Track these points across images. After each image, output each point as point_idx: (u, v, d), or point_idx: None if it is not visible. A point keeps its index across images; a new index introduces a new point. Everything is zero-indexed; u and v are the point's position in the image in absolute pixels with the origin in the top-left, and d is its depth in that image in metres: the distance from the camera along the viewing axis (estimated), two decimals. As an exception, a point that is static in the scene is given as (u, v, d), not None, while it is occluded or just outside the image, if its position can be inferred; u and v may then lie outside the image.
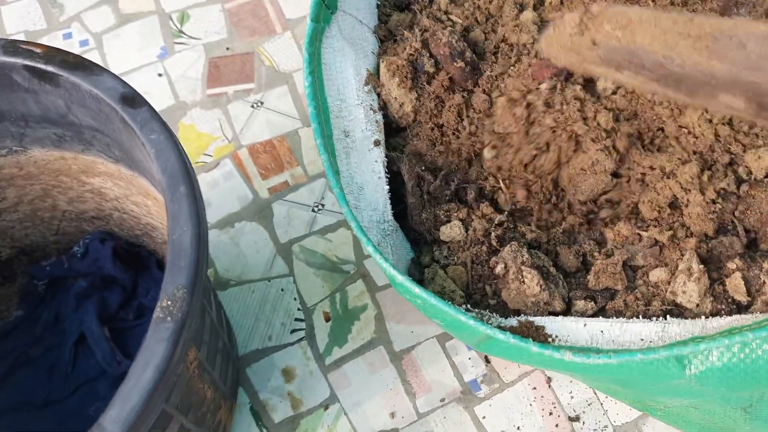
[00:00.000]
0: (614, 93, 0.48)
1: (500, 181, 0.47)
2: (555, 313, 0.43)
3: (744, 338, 0.37)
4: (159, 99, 0.70)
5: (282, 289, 0.60)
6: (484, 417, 0.55)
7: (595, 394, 0.55)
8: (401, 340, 0.58)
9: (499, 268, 0.43)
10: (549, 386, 0.55)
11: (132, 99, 0.37)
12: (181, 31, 0.74)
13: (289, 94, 0.70)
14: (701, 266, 0.42)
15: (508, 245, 0.44)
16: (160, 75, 0.71)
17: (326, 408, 0.55)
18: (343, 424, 0.55)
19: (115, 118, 0.37)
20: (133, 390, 0.30)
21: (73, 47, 0.73)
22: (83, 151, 0.45)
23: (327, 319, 0.59)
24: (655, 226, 0.45)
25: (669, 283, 0.43)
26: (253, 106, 0.69)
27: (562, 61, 0.42)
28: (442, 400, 0.55)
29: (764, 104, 0.37)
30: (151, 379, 0.30)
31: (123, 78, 0.67)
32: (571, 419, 0.54)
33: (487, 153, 0.47)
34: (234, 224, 0.63)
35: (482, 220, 0.46)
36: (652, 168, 0.45)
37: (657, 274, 0.43)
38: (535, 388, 0.55)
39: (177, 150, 0.35)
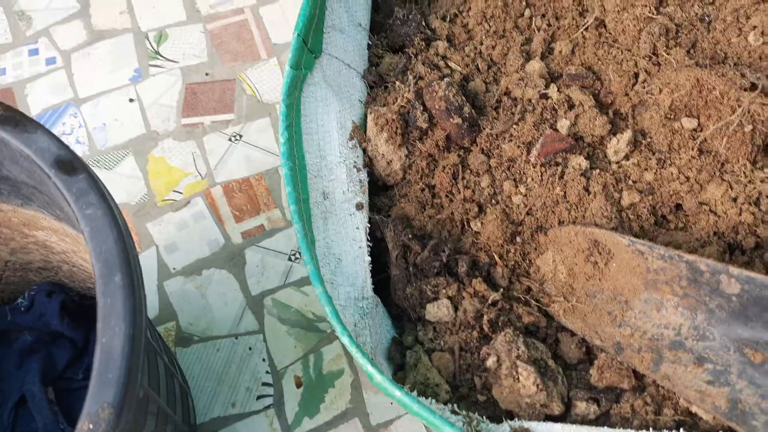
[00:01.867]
0: (626, 158, 0.43)
1: (495, 255, 0.42)
2: (553, 417, 0.38)
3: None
4: (128, 127, 0.64)
5: (250, 348, 0.54)
6: (466, 504, 0.49)
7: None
8: (379, 413, 0.52)
9: (490, 362, 0.38)
10: (539, 472, 0.50)
11: (68, 164, 0.31)
12: (157, 53, 0.68)
13: (271, 128, 0.64)
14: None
15: (502, 333, 0.39)
16: (131, 100, 0.66)
17: (292, 487, 0.50)
18: (310, 506, 0.49)
19: (49, 182, 0.32)
20: None
21: (38, 65, 0.68)
22: (22, 205, 0.39)
23: (298, 385, 0.53)
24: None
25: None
26: (231, 140, 0.64)
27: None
28: (421, 483, 0.50)
29: None
30: None
31: (90, 103, 0.62)
32: None
33: (474, 225, 0.42)
34: (202, 271, 0.58)
35: (474, 299, 0.41)
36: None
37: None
38: (523, 474, 0.50)
39: (117, 229, 0.30)
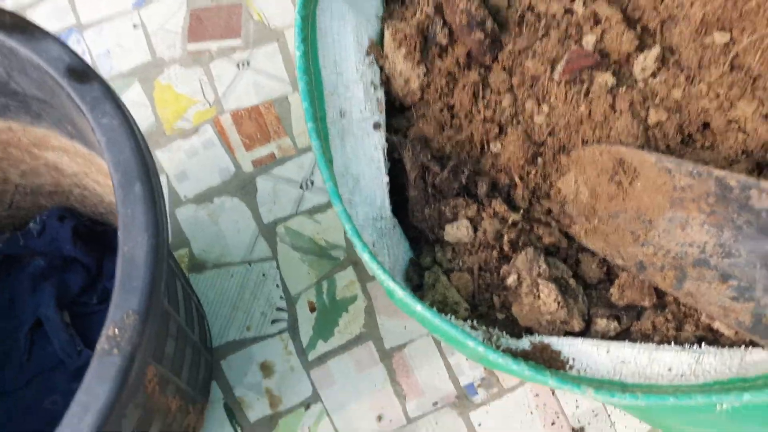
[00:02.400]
0: (653, 76, 0.42)
1: (515, 176, 0.41)
2: (573, 334, 0.38)
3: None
4: (133, 54, 0.63)
5: (264, 275, 0.54)
6: (479, 424, 0.50)
7: (603, 404, 0.51)
8: (393, 337, 0.53)
9: (511, 280, 0.38)
10: (553, 394, 0.51)
11: (81, 72, 0.30)
12: (160, -25, 0.66)
13: (279, 54, 0.62)
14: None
15: (523, 252, 0.38)
16: (135, 26, 0.64)
17: (307, 407, 0.51)
18: (325, 426, 0.50)
19: (61, 93, 0.31)
20: (70, 439, 0.25)
21: (37, -12, 0.65)
22: (32, 123, 0.38)
23: (312, 310, 0.53)
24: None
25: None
26: (238, 66, 0.62)
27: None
28: (435, 404, 0.51)
29: None
30: (91, 426, 0.25)
31: (93, 29, 0.60)
32: (575, 431, 0.50)
33: (494, 146, 0.41)
34: (213, 199, 0.57)
35: (494, 220, 0.40)
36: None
37: None
38: (537, 395, 0.51)
39: (134, 139, 0.29)
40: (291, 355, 0.52)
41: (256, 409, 0.51)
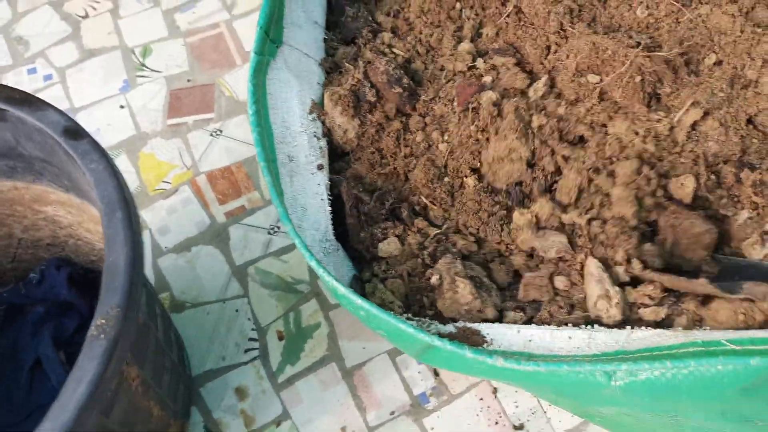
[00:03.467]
0: (542, 97, 0.51)
1: (423, 197, 0.50)
2: (489, 321, 0.45)
3: (663, 366, 0.39)
4: (120, 130, 0.72)
5: (237, 310, 0.62)
6: (432, 428, 0.56)
7: (539, 403, 0.57)
8: (353, 357, 0.59)
9: (434, 279, 0.46)
10: (495, 397, 0.57)
11: (74, 132, 0.39)
12: (143, 65, 0.76)
13: (247, 123, 0.72)
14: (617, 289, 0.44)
15: (443, 258, 0.46)
16: (122, 107, 0.74)
17: (278, 425, 0.57)
18: (296, 441, 0.56)
19: (59, 150, 0.40)
20: (67, 404, 0.32)
21: (37, 82, 0.76)
22: (34, 181, 0.47)
23: (280, 338, 0.60)
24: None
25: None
26: (212, 135, 0.72)
27: None
28: (392, 413, 0.57)
29: None
30: (83, 394, 0.32)
31: (85, 111, 0.70)
32: (516, 428, 0.56)
33: (411, 176, 0.51)
34: (191, 248, 0.65)
35: (417, 235, 0.48)
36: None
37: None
38: (481, 399, 0.57)
39: (115, 178, 0.38)
40: (263, 380, 0.59)
41: (233, 429, 0.57)
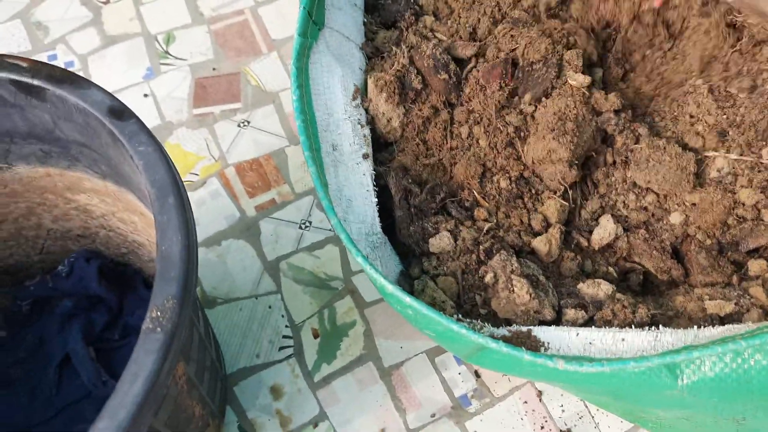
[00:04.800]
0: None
1: (477, 194, 0.48)
2: (546, 323, 0.43)
3: (737, 346, 0.37)
4: (145, 119, 0.68)
5: (270, 307, 0.59)
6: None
7: (586, 407, 0.55)
8: (390, 356, 0.57)
9: (488, 277, 0.44)
10: (540, 400, 0.55)
11: (120, 112, 0.37)
12: (167, 52, 0.74)
13: (275, 114, 0.70)
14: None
15: (498, 254, 0.44)
16: (146, 95, 0.71)
17: (315, 425, 0.55)
18: (334, 442, 0.54)
19: (103, 131, 0.37)
20: (122, 402, 0.29)
21: (58, 68, 0.73)
22: (69, 167, 0.45)
23: (315, 336, 0.58)
24: None
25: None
26: (239, 126, 0.69)
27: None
28: (433, 415, 0.55)
29: None
30: (140, 392, 0.30)
31: (109, 97, 0.67)
32: (562, 432, 0.54)
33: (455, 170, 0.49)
34: (221, 242, 0.63)
35: (471, 230, 0.46)
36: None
37: None
38: (526, 402, 0.55)
39: (166, 162, 0.35)
40: (298, 378, 0.56)
41: (268, 430, 0.54)
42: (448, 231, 0.46)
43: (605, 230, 0.47)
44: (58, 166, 0.45)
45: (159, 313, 0.31)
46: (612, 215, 0.48)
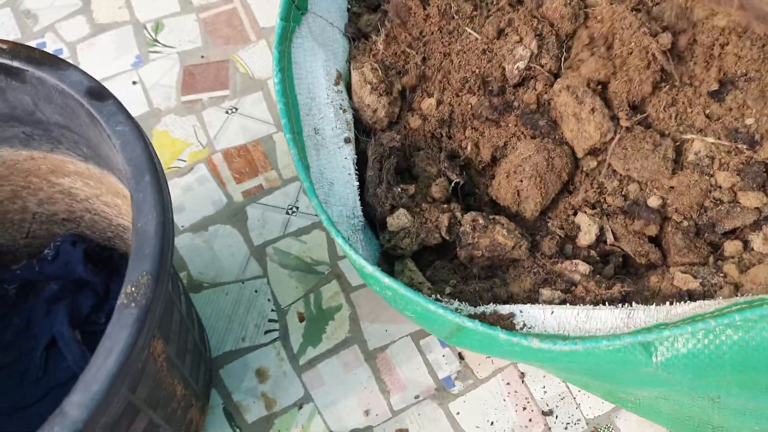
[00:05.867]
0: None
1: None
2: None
3: (707, 325, 0.38)
4: (133, 106, 0.70)
5: (256, 291, 0.60)
6: (458, 413, 0.55)
7: (568, 388, 0.55)
8: (375, 339, 0.58)
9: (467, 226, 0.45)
10: (522, 381, 0.56)
11: (98, 92, 0.37)
12: (155, 40, 0.74)
13: (263, 101, 0.70)
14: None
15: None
16: (134, 83, 0.72)
17: (300, 407, 0.55)
18: (317, 423, 0.55)
19: (81, 111, 0.38)
20: (96, 375, 0.30)
21: (47, 56, 0.73)
22: (52, 150, 0.45)
23: (301, 320, 0.59)
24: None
25: None
26: (227, 112, 0.70)
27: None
28: (417, 397, 0.55)
29: None
30: (114, 365, 0.30)
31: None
32: (544, 413, 0.55)
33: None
34: (208, 228, 0.63)
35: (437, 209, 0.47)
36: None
37: None
38: (508, 384, 0.56)
39: (142, 141, 0.36)
40: (283, 361, 0.57)
41: (253, 412, 0.55)
42: (410, 199, 0.47)
43: (589, 232, 0.48)
44: (41, 149, 0.45)
45: (133, 289, 0.32)
46: (589, 206, 0.48)
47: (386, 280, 0.40)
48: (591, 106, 0.47)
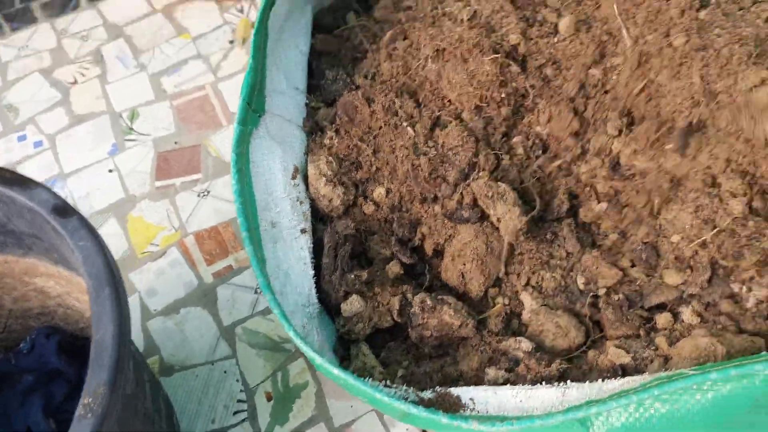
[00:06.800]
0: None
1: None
2: (466, 381, 0.46)
3: (629, 400, 0.40)
4: (109, 194, 0.74)
5: (225, 372, 0.62)
6: (422, 487, 0.57)
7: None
8: (341, 416, 0.60)
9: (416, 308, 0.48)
10: (483, 452, 0.58)
11: (63, 209, 0.40)
12: (131, 128, 0.78)
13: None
14: None
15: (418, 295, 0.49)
16: (110, 171, 0.75)
17: (269, 487, 0.57)
18: (287, 503, 0.56)
19: (48, 227, 0.41)
20: (55, 485, 0.32)
21: (27, 148, 0.77)
22: (24, 255, 0.48)
23: (269, 399, 0.61)
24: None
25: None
26: (199, 195, 0.73)
27: None
28: (382, 472, 0.57)
29: None
30: (71, 474, 0.33)
31: (74, 176, 0.71)
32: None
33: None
34: (179, 310, 0.66)
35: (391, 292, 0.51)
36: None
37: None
38: (470, 455, 0.58)
39: (103, 255, 0.39)
40: (252, 441, 0.59)
41: (223, 493, 0.57)
42: (361, 291, 0.50)
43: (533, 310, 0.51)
44: (14, 254, 0.48)
45: (90, 400, 0.34)
46: (529, 290, 0.52)
47: (335, 371, 0.43)
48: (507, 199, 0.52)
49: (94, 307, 0.37)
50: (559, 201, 0.53)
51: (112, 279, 0.38)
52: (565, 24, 0.55)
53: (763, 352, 0.44)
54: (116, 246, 0.70)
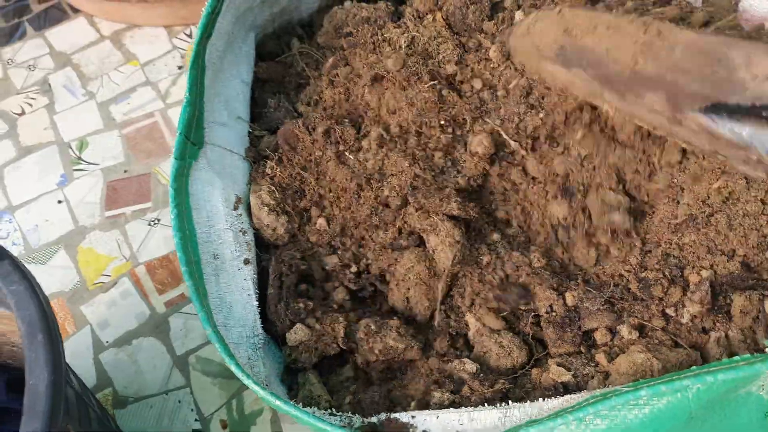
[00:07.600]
0: None
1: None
2: (411, 403, 0.47)
3: (566, 420, 0.42)
4: (59, 225, 0.73)
5: (179, 401, 0.62)
6: (377, 508, 0.57)
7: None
8: (296, 441, 0.60)
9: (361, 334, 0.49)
10: (436, 470, 0.59)
11: (-5, 255, 0.40)
12: (80, 158, 0.78)
13: (184, 210, 0.74)
14: None
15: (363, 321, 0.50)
16: (59, 202, 0.75)
17: None
18: None
19: (-19, 272, 0.41)
20: None
21: (-27, 182, 0.77)
22: (-37, 297, 0.48)
23: (224, 427, 0.61)
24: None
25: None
26: (150, 224, 0.73)
27: (518, 57, 0.55)
28: (337, 495, 0.58)
29: (679, 105, 0.44)
30: None
31: (23, 209, 0.71)
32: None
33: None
34: (131, 341, 0.66)
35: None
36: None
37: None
38: (424, 474, 0.59)
39: (36, 300, 0.39)
40: (207, 471, 0.59)
41: None
42: (310, 312, 0.51)
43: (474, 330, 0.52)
44: (-48, 297, 0.48)
45: (24, 449, 0.34)
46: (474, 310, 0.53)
47: (278, 402, 0.43)
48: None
49: (28, 353, 0.37)
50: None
51: (45, 324, 0.38)
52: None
53: (694, 366, 0.46)
54: (67, 278, 0.70)
